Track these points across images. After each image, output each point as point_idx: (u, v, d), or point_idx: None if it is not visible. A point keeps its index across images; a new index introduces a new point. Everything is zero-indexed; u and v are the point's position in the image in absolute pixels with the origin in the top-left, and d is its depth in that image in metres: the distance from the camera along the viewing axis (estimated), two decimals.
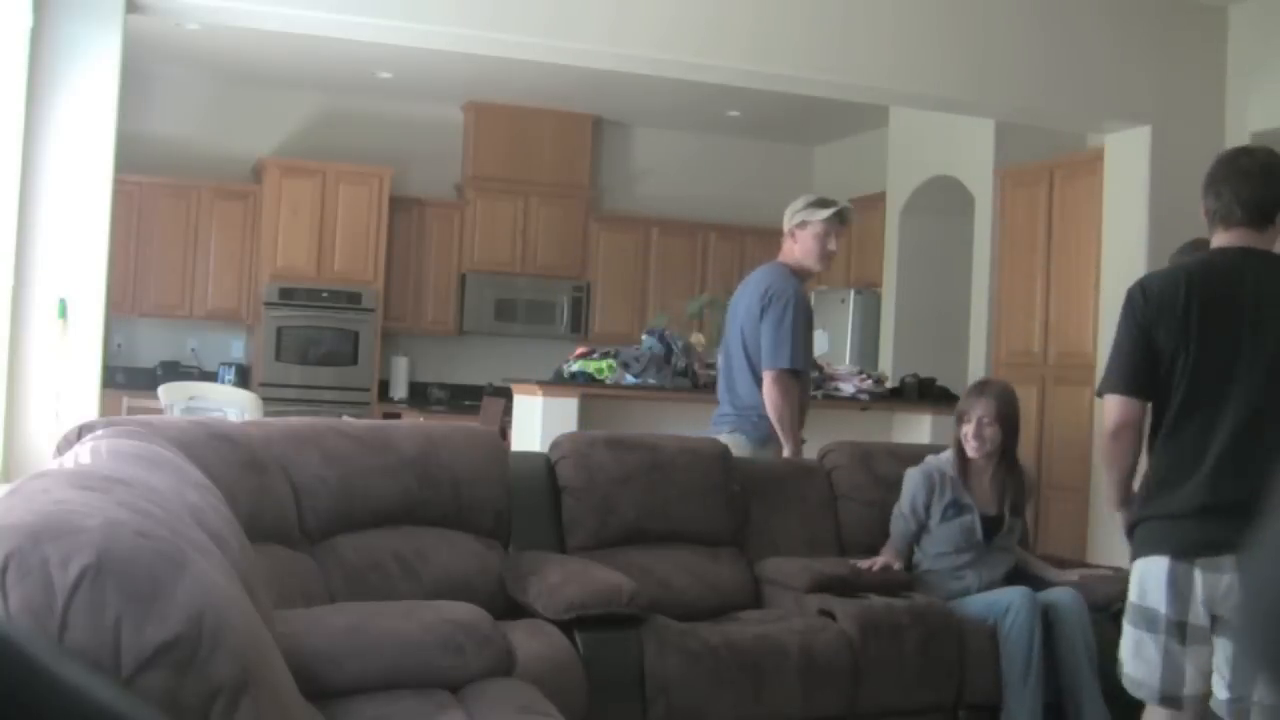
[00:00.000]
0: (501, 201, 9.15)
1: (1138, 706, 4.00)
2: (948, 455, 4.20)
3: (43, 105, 4.81)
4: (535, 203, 9.22)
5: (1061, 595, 3.92)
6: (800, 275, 4.75)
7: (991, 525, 4.11)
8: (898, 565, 4.07)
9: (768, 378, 4.54)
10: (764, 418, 4.61)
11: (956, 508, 4.10)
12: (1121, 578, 4.19)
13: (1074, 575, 4.28)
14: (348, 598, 3.32)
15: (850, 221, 4.86)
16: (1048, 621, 3.86)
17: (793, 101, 7.32)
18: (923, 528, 4.14)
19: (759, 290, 4.69)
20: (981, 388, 4.23)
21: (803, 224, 4.71)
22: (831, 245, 4.71)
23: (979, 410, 4.11)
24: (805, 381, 4.76)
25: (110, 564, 1.43)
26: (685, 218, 9.67)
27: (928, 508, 4.12)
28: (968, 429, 4.11)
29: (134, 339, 8.59)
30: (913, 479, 4.18)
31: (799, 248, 4.73)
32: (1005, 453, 4.15)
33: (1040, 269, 6.79)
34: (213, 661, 1.45)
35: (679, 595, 3.92)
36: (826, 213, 4.68)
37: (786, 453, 4.58)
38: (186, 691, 1.42)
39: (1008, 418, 4.13)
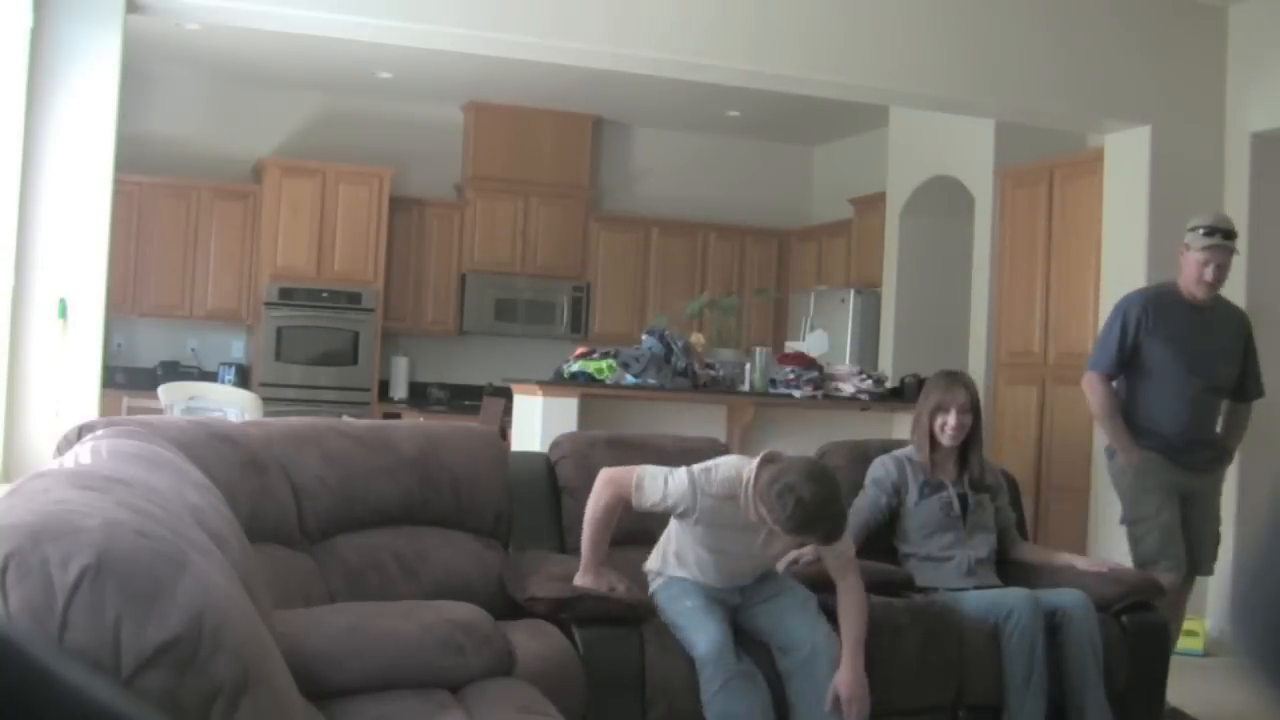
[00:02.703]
0: (501, 201, 9.16)
1: (1140, 709, 4.01)
2: (910, 449, 4.31)
3: (43, 105, 4.81)
4: (535, 203, 9.23)
5: (1069, 598, 3.92)
6: (1185, 293, 4.70)
7: (962, 504, 4.22)
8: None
9: (1083, 380, 4.79)
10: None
11: (932, 486, 4.22)
12: (1123, 578, 4.22)
13: (1081, 561, 4.37)
14: (348, 598, 3.32)
15: (1228, 245, 4.67)
16: (1055, 624, 3.86)
17: (793, 101, 7.33)
18: (894, 510, 4.23)
19: None
20: (952, 379, 4.32)
21: (1186, 246, 4.69)
22: (1208, 275, 4.62)
23: (959, 400, 4.21)
24: (1164, 382, 4.68)
25: (110, 564, 1.43)
26: (685, 218, 9.68)
27: (900, 489, 4.22)
28: (946, 419, 4.20)
29: (134, 339, 8.59)
30: (882, 462, 4.30)
31: (1182, 265, 4.73)
32: (972, 439, 4.26)
33: (1040, 269, 6.79)
34: (213, 661, 1.45)
35: None
36: (1207, 243, 4.61)
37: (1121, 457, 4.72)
38: (186, 691, 1.42)
39: (977, 405, 4.29)
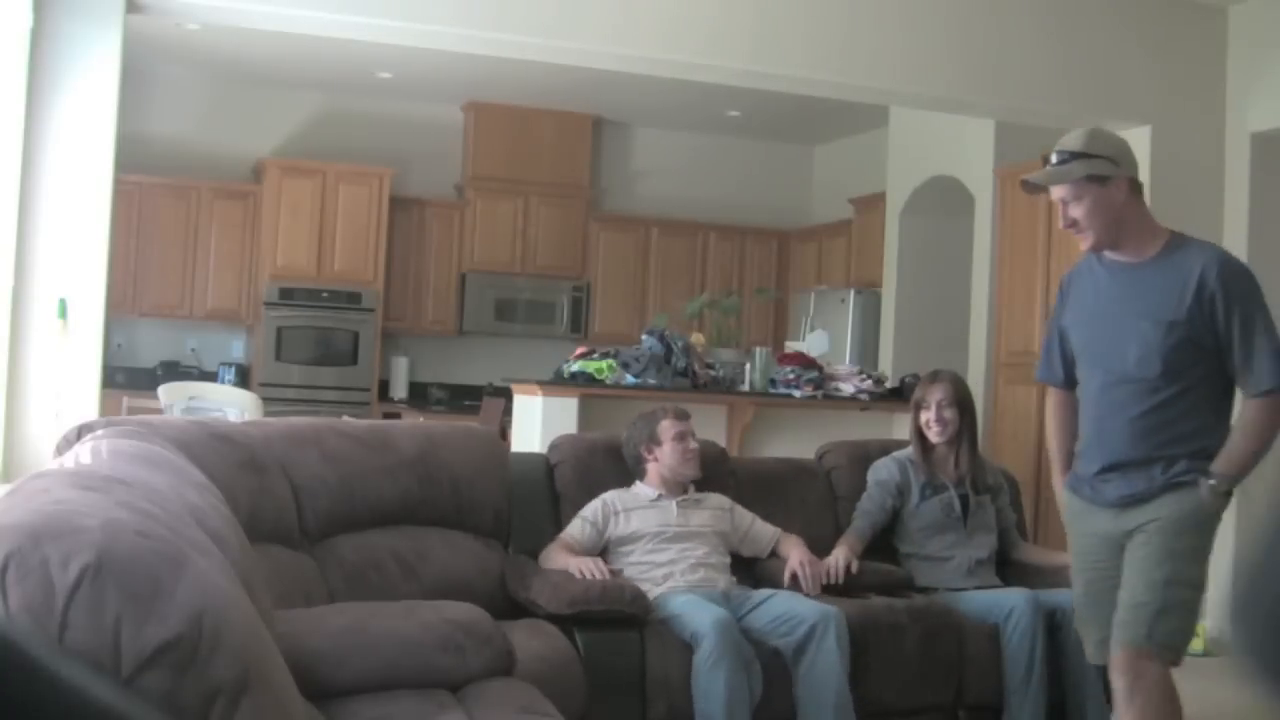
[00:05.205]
0: (501, 201, 9.16)
1: None
2: (909, 450, 4.34)
3: (43, 105, 4.81)
4: (535, 203, 9.23)
5: (1069, 598, 3.92)
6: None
7: (963, 505, 4.24)
8: (854, 561, 4.05)
9: None
10: None
11: (934, 487, 4.25)
12: None
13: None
14: (348, 598, 3.32)
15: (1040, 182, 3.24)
16: (1054, 623, 3.87)
17: (793, 101, 7.33)
18: (897, 511, 4.25)
19: None
20: (934, 375, 4.39)
21: None
22: (1060, 221, 3.30)
23: (936, 395, 4.26)
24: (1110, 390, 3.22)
25: (110, 564, 1.43)
26: (685, 218, 9.68)
27: (904, 490, 4.25)
28: (928, 415, 4.26)
29: (134, 339, 8.59)
30: (885, 464, 4.33)
31: None
32: (961, 437, 4.28)
33: (1040, 269, 6.79)
34: (213, 662, 1.45)
35: None
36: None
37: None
38: (186, 691, 1.42)
39: (963, 401, 4.29)
